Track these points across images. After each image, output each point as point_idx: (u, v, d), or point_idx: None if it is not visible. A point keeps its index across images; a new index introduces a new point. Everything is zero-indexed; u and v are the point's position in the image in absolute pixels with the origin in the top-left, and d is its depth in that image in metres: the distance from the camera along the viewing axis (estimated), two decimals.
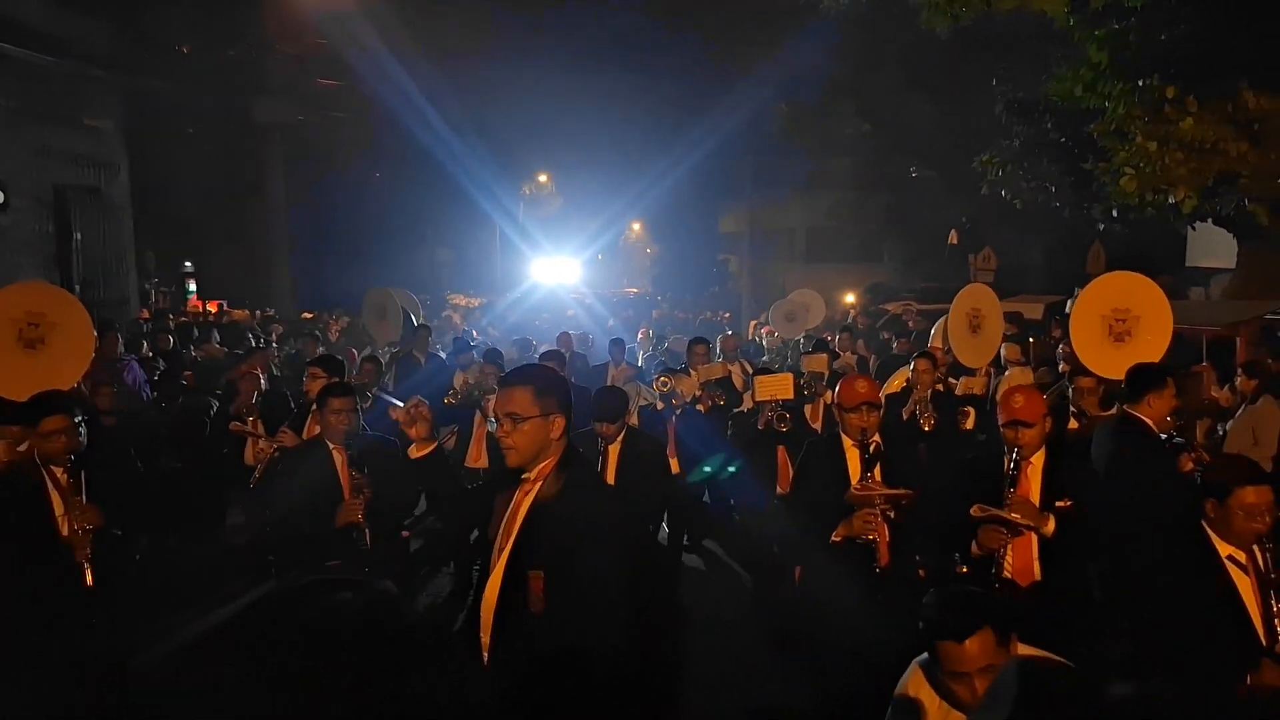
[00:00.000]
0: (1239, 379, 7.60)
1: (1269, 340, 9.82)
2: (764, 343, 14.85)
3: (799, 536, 4.55)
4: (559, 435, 2.94)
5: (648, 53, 33.25)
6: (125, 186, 14.04)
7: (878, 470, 4.21)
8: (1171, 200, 9.81)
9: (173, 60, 13.53)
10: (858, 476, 4.23)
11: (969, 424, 6.99)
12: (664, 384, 7.10)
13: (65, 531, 4.14)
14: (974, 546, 3.99)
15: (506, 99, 32.32)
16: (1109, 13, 10.76)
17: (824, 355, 8.73)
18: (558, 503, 2.85)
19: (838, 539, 4.13)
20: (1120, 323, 6.51)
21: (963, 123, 19.25)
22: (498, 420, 2.97)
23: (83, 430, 4.34)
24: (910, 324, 17.78)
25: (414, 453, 3.15)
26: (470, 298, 30.38)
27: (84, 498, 4.18)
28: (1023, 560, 4.01)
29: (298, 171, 21.58)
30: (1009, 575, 4.02)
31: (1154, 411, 5.05)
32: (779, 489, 6.83)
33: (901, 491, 4.08)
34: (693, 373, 7.58)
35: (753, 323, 19.52)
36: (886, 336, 14.42)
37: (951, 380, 7.86)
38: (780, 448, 6.82)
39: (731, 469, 6.69)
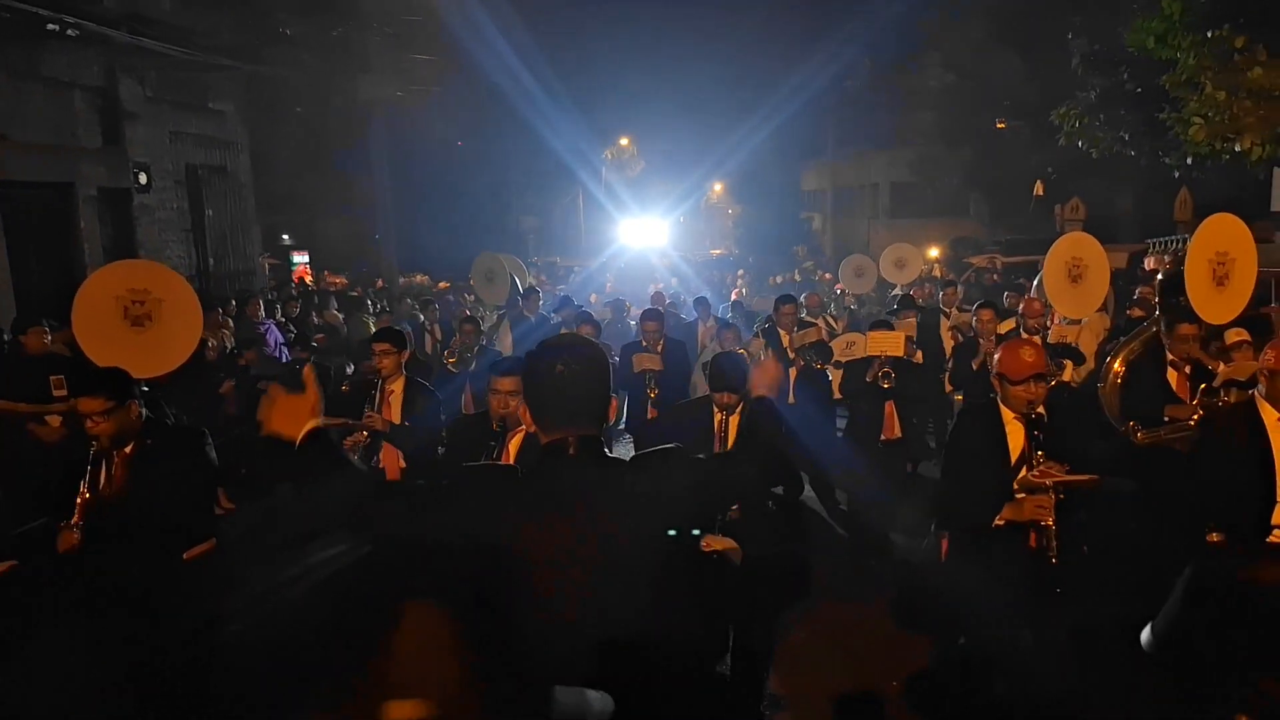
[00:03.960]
0: None
1: None
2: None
3: (947, 511, 4.24)
4: None
5: (729, 11, 33.36)
6: (247, 164, 15.30)
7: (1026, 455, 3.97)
8: (1239, 148, 9.98)
9: (282, 44, 14.53)
10: (1018, 452, 3.87)
11: (1065, 375, 6.97)
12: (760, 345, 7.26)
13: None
14: None
15: (588, 64, 32.97)
16: None
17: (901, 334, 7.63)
18: None
19: (1001, 523, 3.76)
20: (1221, 265, 6.09)
21: (1046, 74, 19.16)
22: None
23: (142, 413, 3.93)
24: (995, 277, 17.83)
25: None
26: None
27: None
28: None
29: (392, 144, 22.73)
30: None
31: None
32: (884, 436, 7.04)
33: (1085, 477, 3.70)
34: (782, 334, 7.59)
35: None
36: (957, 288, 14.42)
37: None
38: (889, 402, 6.96)
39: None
